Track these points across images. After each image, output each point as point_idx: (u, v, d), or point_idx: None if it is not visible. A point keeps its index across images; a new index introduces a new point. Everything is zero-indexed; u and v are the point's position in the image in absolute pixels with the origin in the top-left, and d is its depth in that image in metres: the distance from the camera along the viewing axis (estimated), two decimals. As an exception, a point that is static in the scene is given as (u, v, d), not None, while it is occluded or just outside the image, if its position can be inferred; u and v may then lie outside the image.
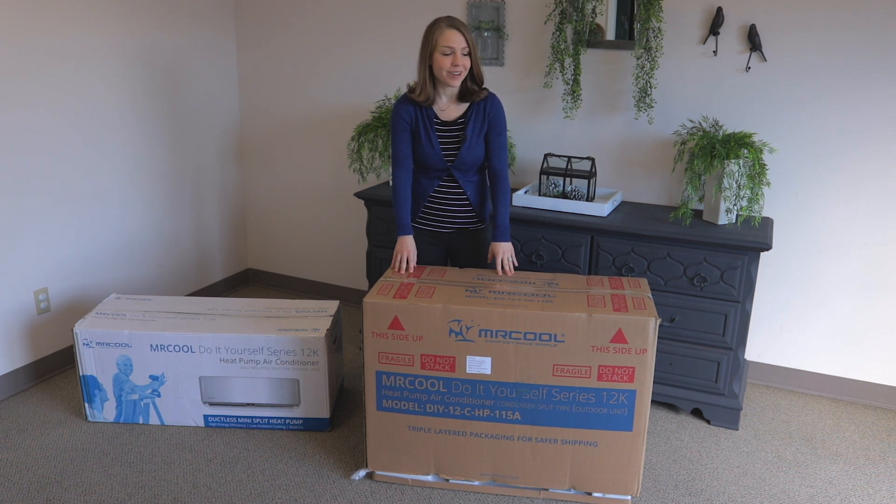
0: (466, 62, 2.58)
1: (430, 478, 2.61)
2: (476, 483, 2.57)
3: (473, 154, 2.69)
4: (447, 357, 2.42)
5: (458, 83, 2.61)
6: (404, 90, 3.65)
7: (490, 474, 2.55)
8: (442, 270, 2.68)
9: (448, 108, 2.70)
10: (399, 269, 2.66)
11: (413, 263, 2.68)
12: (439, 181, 2.74)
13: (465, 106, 2.70)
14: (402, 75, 3.72)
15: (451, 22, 2.59)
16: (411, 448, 2.56)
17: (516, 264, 2.72)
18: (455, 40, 2.55)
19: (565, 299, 2.42)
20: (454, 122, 2.70)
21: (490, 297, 2.43)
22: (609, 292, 2.49)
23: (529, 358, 2.37)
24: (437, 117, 2.69)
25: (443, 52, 2.56)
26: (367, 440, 2.59)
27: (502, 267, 2.68)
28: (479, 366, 2.40)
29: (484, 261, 2.82)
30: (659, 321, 2.31)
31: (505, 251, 2.70)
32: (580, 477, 2.50)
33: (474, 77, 2.65)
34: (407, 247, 2.69)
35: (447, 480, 2.59)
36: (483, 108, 2.68)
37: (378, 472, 2.64)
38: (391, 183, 2.72)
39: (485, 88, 2.69)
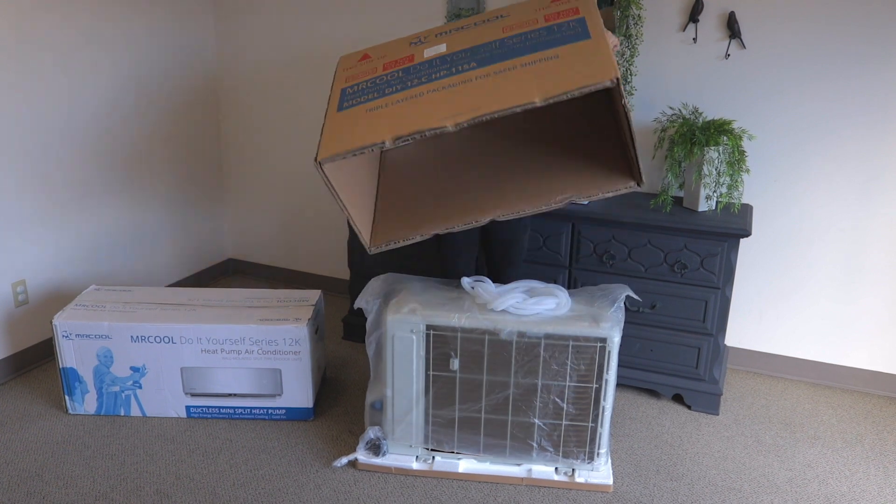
0: None
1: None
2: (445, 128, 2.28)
3: None
4: (407, 56, 2.47)
5: None
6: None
7: (450, 114, 2.27)
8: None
9: None
10: None
11: None
12: None
13: None
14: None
15: None
16: (367, 123, 2.37)
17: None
18: None
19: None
20: None
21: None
22: None
23: (481, 32, 2.42)
24: None
25: None
26: (322, 136, 2.38)
27: None
28: (435, 50, 2.45)
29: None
30: None
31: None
32: (549, 84, 2.19)
33: None
34: None
35: (403, 140, 2.25)
36: None
37: (361, 461, 2.64)
38: None
39: None
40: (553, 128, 2.61)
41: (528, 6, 2.46)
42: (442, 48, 2.42)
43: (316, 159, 2.26)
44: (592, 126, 2.55)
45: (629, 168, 2.33)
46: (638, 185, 2.30)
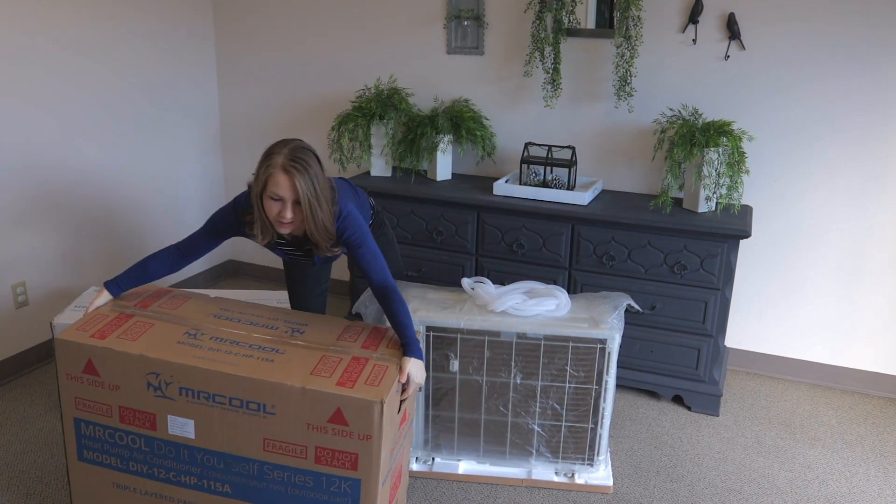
0: (299, 216, 2.06)
1: None
2: None
3: (331, 259, 2.40)
4: (147, 413, 2.07)
5: (288, 231, 2.12)
6: (384, 80, 3.65)
7: None
8: (186, 297, 2.37)
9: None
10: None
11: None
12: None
13: None
14: (382, 65, 3.70)
15: (288, 160, 2.01)
16: None
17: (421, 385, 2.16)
18: (284, 188, 2.01)
19: (292, 358, 2.05)
20: (303, 236, 2.24)
21: (206, 344, 2.08)
22: (353, 354, 2.10)
23: (237, 427, 2.01)
24: (281, 238, 2.29)
25: (270, 195, 2.04)
26: (72, 495, 2.26)
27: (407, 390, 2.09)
28: (181, 428, 2.06)
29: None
30: (383, 403, 1.89)
31: (419, 372, 2.09)
32: None
33: (316, 231, 2.10)
34: (101, 299, 2.25)
35: None
36: None
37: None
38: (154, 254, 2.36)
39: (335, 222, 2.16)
40: None
41: (298, 409, 1.95)
42: (189, 431, 2.05)
43: None
44: None
45: None
46: None
